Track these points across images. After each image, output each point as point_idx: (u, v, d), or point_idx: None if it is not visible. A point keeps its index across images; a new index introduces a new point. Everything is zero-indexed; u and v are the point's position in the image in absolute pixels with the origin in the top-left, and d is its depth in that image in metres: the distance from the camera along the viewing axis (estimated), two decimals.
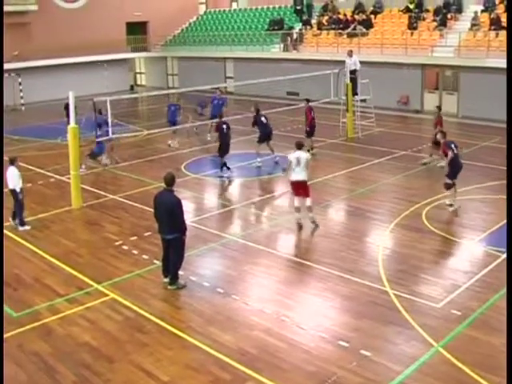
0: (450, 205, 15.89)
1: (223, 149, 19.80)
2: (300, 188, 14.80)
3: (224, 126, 19.79)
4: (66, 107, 22.50)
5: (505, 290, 11.20)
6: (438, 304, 10.80)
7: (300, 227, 14.80)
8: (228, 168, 19.82)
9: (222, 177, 19.69)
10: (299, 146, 14.91)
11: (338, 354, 9.31)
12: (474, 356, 9.17)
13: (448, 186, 15.89)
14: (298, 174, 14.65)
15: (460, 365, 8.92)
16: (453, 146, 16.01)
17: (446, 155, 15.92)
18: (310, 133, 22.38)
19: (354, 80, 25.58)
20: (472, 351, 9.34)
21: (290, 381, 8.71)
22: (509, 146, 11.02)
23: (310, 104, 22.49)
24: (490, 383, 8.46)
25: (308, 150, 21.72)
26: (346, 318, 10.48)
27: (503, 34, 28.80)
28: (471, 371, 8.74)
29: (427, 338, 9.66)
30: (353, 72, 25.57)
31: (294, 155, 14.65)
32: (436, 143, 18.72)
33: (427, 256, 13.12)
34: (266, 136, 20.81)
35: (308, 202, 14.81)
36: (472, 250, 13.53)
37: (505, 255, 12.70)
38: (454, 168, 15.89)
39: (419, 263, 12.70)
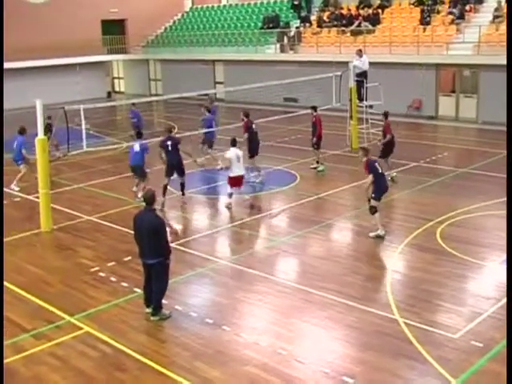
0: (377, 235, 15.67)
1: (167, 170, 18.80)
2: (239, 181, 17.88)
3: (169, 143, 18.51)
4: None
5: None
6: (456, 334, 10.84)
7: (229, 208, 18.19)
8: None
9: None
10: (234, 143, 17.93)
11: None
12: None
13: (373, 210, 15.76)
14: (239, 169, 17.75)
15: None
16: (377, 165, 15.76)
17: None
18: (318, 144, 22.15)
19: (360, 83, 25.69)
20: None
21: None
22: (509, 146, 11.15)
23: (318, 112, 22.25)
24: None
25: (317, 162, 21.96)
26: (350, 351, 10.52)
27: None
28: None
29: (443, 373, 9.68)
30: (361, 74, 25.57)
31: (232, 152, 17.60)
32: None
33: (443, 280, 13.17)
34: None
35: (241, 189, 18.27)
36: (494, 273, 13.60)
37: None
38: (379, 190, 15.78)
39: (434, 288, 12.77)
